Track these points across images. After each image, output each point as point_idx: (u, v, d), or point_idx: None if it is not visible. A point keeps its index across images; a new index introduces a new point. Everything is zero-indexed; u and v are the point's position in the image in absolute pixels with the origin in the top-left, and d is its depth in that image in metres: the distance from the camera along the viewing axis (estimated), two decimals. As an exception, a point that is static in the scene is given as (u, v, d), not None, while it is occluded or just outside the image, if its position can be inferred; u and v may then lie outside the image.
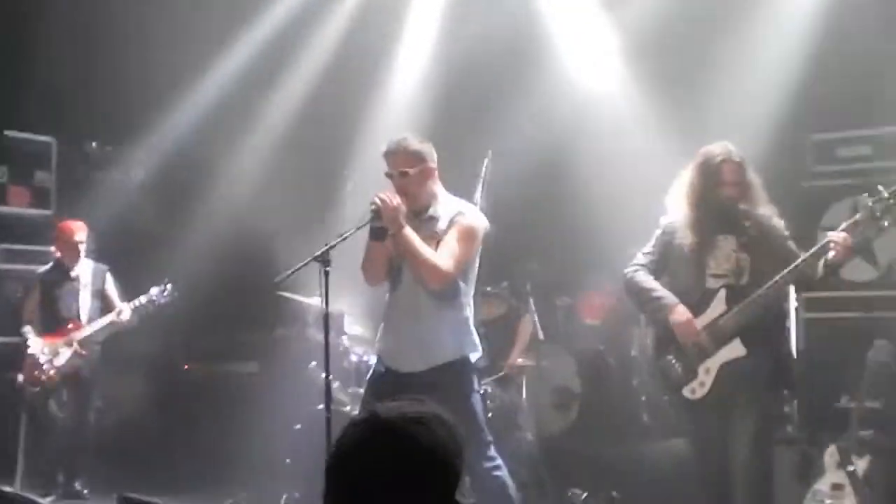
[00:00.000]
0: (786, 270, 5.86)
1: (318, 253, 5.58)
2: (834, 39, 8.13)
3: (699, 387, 6.00)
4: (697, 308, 6.05)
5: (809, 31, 8.22)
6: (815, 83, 8.11)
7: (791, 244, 6.05)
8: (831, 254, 5.80)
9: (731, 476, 5.93)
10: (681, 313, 6.03)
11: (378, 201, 5.79)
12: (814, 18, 8.23)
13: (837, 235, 5.79)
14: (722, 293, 5.99)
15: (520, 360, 8.26)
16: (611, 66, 9.25)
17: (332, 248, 5.60)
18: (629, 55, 9.13)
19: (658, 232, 6.28)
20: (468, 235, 6.02)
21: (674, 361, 6.13)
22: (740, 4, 8.60)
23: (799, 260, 5.87)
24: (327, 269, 5.60)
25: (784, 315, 6.46)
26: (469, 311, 6.15)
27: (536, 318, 8.32)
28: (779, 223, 6.09)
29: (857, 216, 5.87)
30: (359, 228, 5.83)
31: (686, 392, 6.06)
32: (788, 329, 6.58)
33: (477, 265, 6.18)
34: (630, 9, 9.07)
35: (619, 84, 9.24)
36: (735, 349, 5.94)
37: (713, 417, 6.02)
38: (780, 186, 7.34)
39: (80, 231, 8.76)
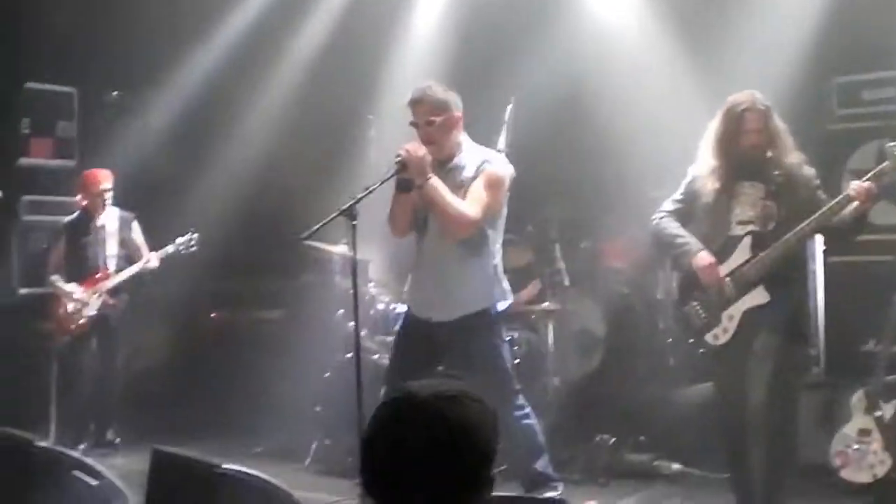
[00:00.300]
0: (810, 219, 5.84)
1: (345, 207, 5.57)
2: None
3: (722, 333, 6.04)
4: (722, 255, 6.06)
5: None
6: (838, 25, 8.01)
7: (820, 193, 6.02)
8: (854, 203, 5.79)
9: (751, 420, 5.91)
10: (704, 258, 6.04)
11: (404, 153, 5.79)
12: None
13: (860, 185, 5.76)
14: (747, 240, 5.99)
15: (545, 305, 8.27)
16: (633, 6, 9.16)
17: (358, 201, 5.59)
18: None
19: (686, 180, 6.26)
20: (495, 183, 6.04)
21: (697, 307, 6.15)
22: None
23: (822, 210, 5.84)
24: (354, 222, 5.59)
25: (806, 262, 6.43)
26: (498, 259, 6.20)
27: (563, 265, 8.32)
28: (808, 171, 6.06)
29: (883, 165, 5.82)
30: (384, 181, 5.82)
31: (709, 338, 6.10)
32: (813, 275, 6.46)
33: (504, 213, 6.19)
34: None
35: (641, 25, 9.12)
36: (758, 296, 5.95)
37: (735, 363, 6.01)
38: (805, 130, 7.28)
39: (105, 180, 8.77)
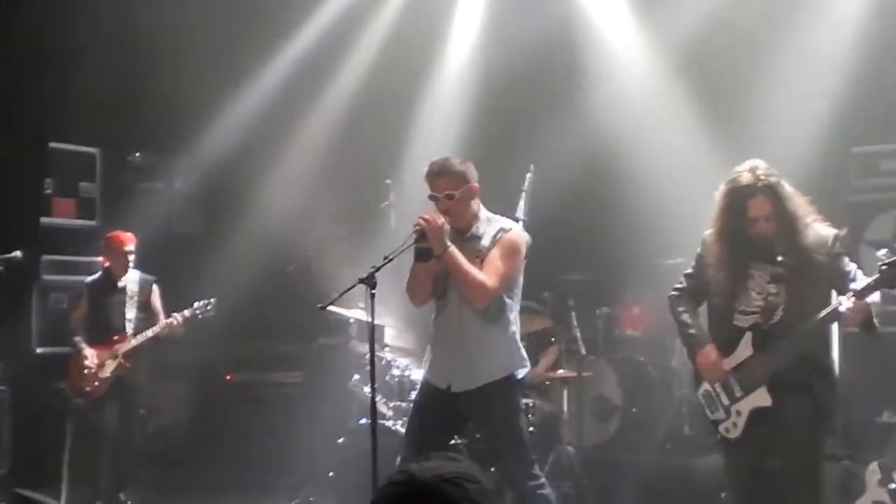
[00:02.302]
0: (800, 330, 5.45)
1: (365, 276, 5.60)
2: (875, 53, 8.11)
3: (732, 427, 5.68)
4: (727, 346, 5.69)
5: (851, 45, 8.19)
6: (857, 97, 8.08)
7: (841, 263, 5.54)
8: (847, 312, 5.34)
9: None
10: (707, 354, 5.73)
11: (422, 222, 5.82)
12: (855, 33, 8.21)
13: (848, 301, 5.31)
14: (748, 336, 5.61)
15: (561, 371, 8.27)
16: (653, 79, 9.25)
17: (377, 270, 5.62)
18: (671, 68, 9.13)
19: (697, 252, 5.91)
20: (512, 251, 6.06)
21: (707, 397, 5.83)
22: (783, 17, 8.59)
23: (812, 321, 5.44)
24: (373, 291, 5.61)
25: (826, 353, 5.80)
26: (516, 327, 6.19)
27: (579, 334, 8.33)
28: (822, 246, 5.54)
29: (875, 277, 5.32)
30: (403, 249, 5.85)
31: (721, 430, 5.76)
32: (830, 366, 5.81)
33: (521, 280, 6.21)
34: (672, 23, 9.07)
35: (661, 94, 9.24)
36: (761, 398, 5.58)
37: (746, 458, 5.71)
38: (822, 200, 7.30)
39: (129, 242, 8.79)
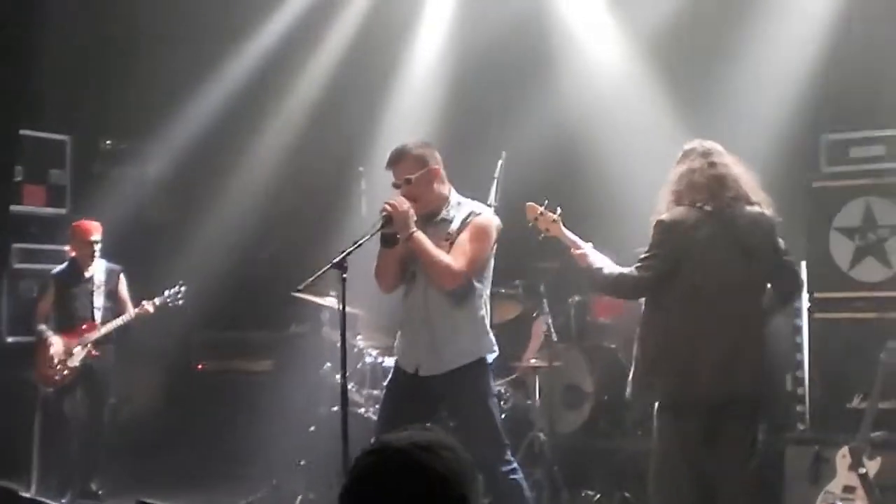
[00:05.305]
0: None
1: (335, 260, 5.57)
2: (847, 39, 8.12)
3: None
4: None
5: (822, 31, 8.21)
6: (827, 83, 8.10)
7: None
8: None
9: None
10: None
11: (388, 207, 5.83)
12: (827, 18, 8.22)
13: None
14: None
15: (533, 361, 8.26)
16: (624, 65, 9.24)
17: (347, 254, 5.60)
18: (642, 52, 9.12)
19: None
20: (481, 234, 6.06)
21: None
22: (754, 2, 8.60)
23: None
24: (344, 275, 5.59)
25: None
26: (485, 311, 6.19)
27: (550, 321, 8.31)
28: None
29: None
30: (371, 234, 5.84)
31: None
32: (798, 331, 5.96)
33: (492, 264, 6.21)
34: (641, 7, 9.07)
35: (631, 81, 9.22)
36: None
37: None
38: (792, 186, 7.39)
39: (95, 231, 8.77)
